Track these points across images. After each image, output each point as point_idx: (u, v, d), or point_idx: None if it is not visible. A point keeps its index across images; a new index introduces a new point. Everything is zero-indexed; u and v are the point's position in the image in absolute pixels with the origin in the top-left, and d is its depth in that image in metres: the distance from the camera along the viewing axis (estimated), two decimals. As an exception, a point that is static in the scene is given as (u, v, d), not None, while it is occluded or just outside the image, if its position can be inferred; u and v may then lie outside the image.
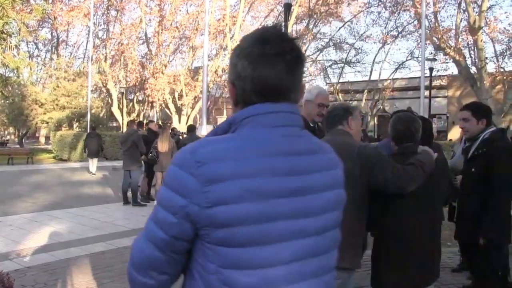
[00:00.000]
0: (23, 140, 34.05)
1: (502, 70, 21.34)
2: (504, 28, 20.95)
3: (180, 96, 27.48)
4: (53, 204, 9.67)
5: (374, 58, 31.01)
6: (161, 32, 26.96)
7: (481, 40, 19.21)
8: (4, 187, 12.23)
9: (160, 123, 20.17)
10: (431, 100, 20.36)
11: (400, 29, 27.97)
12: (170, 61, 30.03)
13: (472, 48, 20.91)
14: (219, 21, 25.59)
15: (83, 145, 18.12)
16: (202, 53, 14.67)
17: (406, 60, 30.90)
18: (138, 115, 32.42)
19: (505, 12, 36.02)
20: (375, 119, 31.72)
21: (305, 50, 28.94)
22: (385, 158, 2.56)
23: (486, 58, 20.09)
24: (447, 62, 23.46)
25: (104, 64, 29.42)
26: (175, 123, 26.57)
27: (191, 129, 10.42)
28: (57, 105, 28.09)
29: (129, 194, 9.82)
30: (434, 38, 20.79)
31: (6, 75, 16.08)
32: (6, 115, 30.26)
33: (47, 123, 28.47)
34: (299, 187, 1.11)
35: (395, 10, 26.28)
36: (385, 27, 29.61)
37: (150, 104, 32.99)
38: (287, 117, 1.15)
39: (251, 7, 27.94)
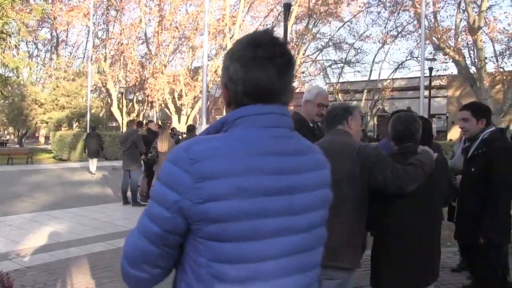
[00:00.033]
0: (22, 140, 34.04)
1: (501, 70, 21.33)
2: (504, 28, 20.94)
3: (180, 96, 27.47)
4: (52, 204, 9.67)
5: (374, 58, 31.03)
6: (161, 32, 26.94)
7: (481, 40, 19.21)
8: (3, 187, 12.23)
9: (159, 123, 20.17)
10: (430, 100, 20.37)
11: (399, 29, 28.01)
12: (170, 61, 30.05)
13: (472, 48, 20.91)
14: (219, 21, 25.57)
15: (83, 145, 18.11)
16: (202, 53, 14.67)
17: (406, 60, 30.93)
18: (137, 115, 32.40)
19: (505, 12, 36.12)
20: (375, 119, 31.73)
21: (305, 50, 29.00)
22: (385, 158, 2.56)
23: (486, 58, 20.09)
24: (446, 62, 23.48)
25: (103, 64, 29.41)
26: (174, 123, 26.57)
27: (191, 129, 10.42)
28: (56, 105, 28.09)
29: (129, 194, 9.82)
30: (433, 38, 20.78)
31: (6, 75, 16.06)
32: (6, 115, 30.24)
33: (47, 123, 28.47)
34: (288, 186, 1.16)
35: (394, 10, 26.29)
36: (385, 27, 29.68)
37: (149, 104, 32.97)
38: (278, 119, 1.19)
39: (250, 7, 27.94)
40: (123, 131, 18.47)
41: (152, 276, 1.20)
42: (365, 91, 31.22)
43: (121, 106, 29.73)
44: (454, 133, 24.78)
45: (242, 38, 1.22)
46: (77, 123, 29.66)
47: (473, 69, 20.44)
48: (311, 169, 1.24)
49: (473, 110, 3.56)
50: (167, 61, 28.60)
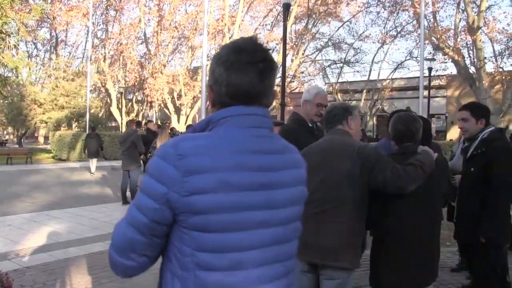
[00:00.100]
0: (22, 140, 34.02)
1: (500, 70, 21.35)
2: (503, 28, 20.98)
3: (179, 96, 27.46)
4: (52, 204, 9.66)
5: (373, 58, 31.07)
6: (160, 32, 26.93)
7: (480, 40, 19.23)
8: (3, 187, 12.21)
9: (159, 123, 20.18)
10: (430, 100, 20.38)
11: (399, 29, 28.03)
12: (169, 61, 30.03)
13: (471, 48, 20.93)
14: (218, 21, 25.56)
15: (82, 145, 18.12)
16: (201, 53, 14.65)
17: (405, 60, 31.01)
18: (137, 115, 32.39)
19: (504, 12, 36.14)
20: (374, 119, 31.74)
21: (304, 50, 28.99)
22: (385, 158, 2.56)
23: (485, 58, 20.11)
24: (446, 62, 23.48)
25: (103, 64, 29.40)
26: (174, 123, 26.57)
27: (190, 129, 10.40)
28: (56, 105, 28.07)
29: (128, 194, 9.81)
30: (433, 38, 20.79)
31: (5, 75, 16.05)
32: (5, 115, 30.22)
33: (46, 123, 28.46)
34: (268, 182, 1.25)
35: (394, 10, 26.30)
36: (384, 27, 29.72)
37: (149, 104, 32.94)
38: (259, 120, 1.29)
39: (250, 7, 27.94)
40: (123, 131, 18.45)
41: (140, 264, 1.27)
42: (365, 91, 31.24)
43: (120, 106, 29.72)
44: (454, 133, 24.80)
45: (227, 44, 1.32)
46: (76, 123, 29.67)
47: (472, 69, 20.46)
48: (289, 167, 1.34)
49: (473, 110, 3.56)
50: (167, 61, 28.58)
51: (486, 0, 18.82)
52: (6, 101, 29.03)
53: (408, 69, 33.91)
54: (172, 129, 16.55)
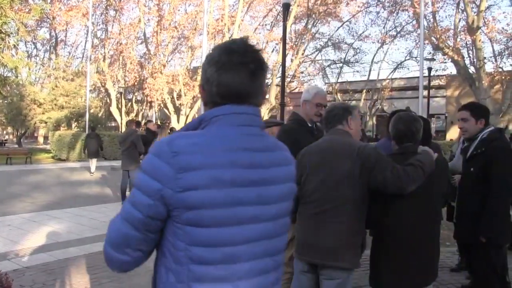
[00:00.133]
0: (21, 140, 34.00)
1: (500, 70, 21.35)
2: (503, 28, 20.96)
3: (179, 96, 27.44)
4: (51, 204, 9.66)
5: (373, 58, 31.14)
6: (160, 32, 26.91)
7: (480, 40, 19.22)
8: (2, 187, 12.21)
9: (158, 123, 20.17)
10: (429, 100, 20.37)
11: (398, 29, 28.07)
12: (169, 61, 30.00)
13: (471, 48, 20.91)
14: (218, 21, 25.55)
15: (82, 145, 18.12)
16: (201, 53, 14.67)
17: (405, 60, 31.10)
18: (136, 115, 32.37)
19: (504, 12, 36.15)
20: (374, 119, 31.75)
21: (304, 50, 28.96)
22: (385, 158, 2.56)
23: (485, 58, 20.10)
24: (445, 62, 23.48)
25: (102, 64, 29.37)
26: (173, 123, 26.55)
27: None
28: (55, 105, 28.05)
29: (128, 194, 9.80)
30: (432, 38, 20.78)
31: (5, 75, 16.04)
32: (5, 115, 30.20)
33: (46, 123, 28.43)
34: (259, 179, 1.29)
35: (393, 10, 26.31)
36: (384, 27, 29.83)
37: (148, 104, 32.93)
38: (250, 118, 1.32)
39: (249, 7, 27.92)
40: (122, 131, 18.44)
41: (135, 259, 1.30)
42: (364, 91, 31.26)
43: (120, 106, 29.70)
44: (453, 133, 24.81)
45: (219, 45, 1.36)
46: (76, 123, 29.63)
47: (472, 69, 20.45)
48: (279, 165, 1.38)
49: (472, 110, 3.57)
50: (166, 61, 28.56)
51: (485, 0, 18.81)
52: (6, 101, 29.02)
53: (408, 69, 34.11)
54: (172, 129, 16.55)
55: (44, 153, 26.93)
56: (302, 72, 30.64)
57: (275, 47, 27.83)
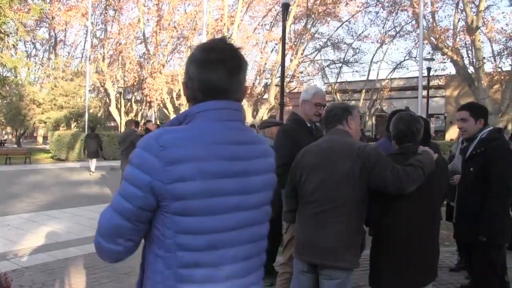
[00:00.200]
0: (20, 140, 33.95)
1: (499, 70, 21.38)
2: (502, 28, 20.98)
3: (178, 96, 27.44)
4: (51, 204, 9.65)
5: (372, 58, 31.24)
6: (159, 32, 26.91)
7: (479, 40, 19.22)
8: (1, 187, 12.20)
9: (158, 122, 20.16)
10: (429, 99, 20.38)
11: (398, 29, 28.08)
12: (168, 61, 30.03)
13: (470, 48, 20.92)
14: (217, 21, 25.54)
15: (82, 145, 18.11)
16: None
17: (404, 60, 31.05)
18: (136, 115, 32.37)
19: (503, 12, 36.11)
20: (373, 118, 31.77)
21: (303, 50, 28.97)
22: (385, 158, 2.56)
23: (484, 58, 20.10)
24: (444, 62, 23.49)
25: (102, 63, 29.35)
26: (173, 123, 26.47)
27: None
28: (55, 105, 28.01)
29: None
30: (432, 38, 20.79)
31: (4, 75, 16.04)
32: (4, 115, 30.14)
33: (45, 123, 28.40)
34: (240, 170, 1.37)
35: (393, 10, 26.33)
36: (383, 27, 29.76)
37: (148, 104, 32.93)
38: (232, 113, 1.40)
39: (249, 7, 27.90)
40: (122, 131, 18.42)
41: (126, 248, 1.37)
42: (363, 91, 31.27)
43: (119, 106, 29.69)
44: (452, 133, 24.83)
45: (200, 44, 1.44)
46: (75, 123, 29.59)
47: (471, 69, 20.46)
48: (260, 157, 1.46)
49: (472, 110, 3.57)
50: (166, 61, 28.58)
51: (484, 0, 18.83)
52: (5, 101, 28.99)
53: (407, 69, 34.05)
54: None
55: (43, 153, 26.90)
56: (301, 72, 30.64)
57: (274, 47, 27.82)
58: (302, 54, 28.66)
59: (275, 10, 27.33)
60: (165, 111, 29.32)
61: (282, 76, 10.28)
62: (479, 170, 3.36)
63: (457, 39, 20.52)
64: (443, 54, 20.94)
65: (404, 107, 6.30)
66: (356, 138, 2.80)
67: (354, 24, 45.00)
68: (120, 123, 28.71)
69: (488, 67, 21.49)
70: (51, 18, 29.19)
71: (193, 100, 1.41)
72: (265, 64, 27.56)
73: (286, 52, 14.09)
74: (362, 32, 34.83)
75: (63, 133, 24.32)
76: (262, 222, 1.48)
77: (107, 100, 32.13)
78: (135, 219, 1.31)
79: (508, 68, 21.31)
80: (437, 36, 20.34)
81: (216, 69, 1.36)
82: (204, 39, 13.26)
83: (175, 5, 26.95)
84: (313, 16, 26.73)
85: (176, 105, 28.00)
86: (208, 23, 21.54)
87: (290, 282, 2.97)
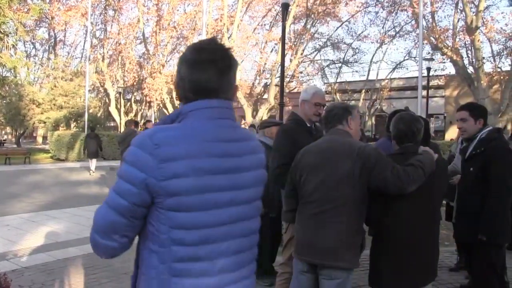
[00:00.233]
0: (20, 140, 33.95)
1: (499, 70, 21.38)
2: (501, 28, 20.97)
3: (178, 96, 27.41)
4: (50, 204, 9.65)
5: (372, 58, 31.17)
6: (159, 32, 26.91)
7: (478, 40, 19.22)
8: (1, 187, 12.20)
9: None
10: (428, 99, 20.39)
11: (397, 29, 28.06)
12: (168, 61, 29.99)
13: (469, 48, 20.92)
14: (217, 21, 25.52)
15: (82, 146, 18.11)
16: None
17: (404, 60, 31.02)
18: (135, 115, 32.36)
19: (502, 12, 35.97)
20: (373, 118, 31.77)
21: (303, 50, 28.96)
22: (385, 158, 2.56)
23: (483, 58, 20.11)
24: (444, 62, 23.48)
25: (101, 63, 29.34)
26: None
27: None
28: (54, 105, 28.01)
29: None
30: (431, 38, 20.79)
31: (3, 75, 16.03)
32: (3, 115, 30.13)
33: (45, 123, 28.40)
34: (232, 166, 1.41)
35: (392, 10, 26.33)
36: (383, 27, 29.75)
37: (147, 104, 32.92)
38: (223, 112, 1.44)
39: (248, 7, 27.89)
40: (121, 131, 18.42)
41: (122, 244, 1.41)
42: (363, 91, 31.26)
43: (119, 106, 29.67)
44: (452, 133, 24.83)
45: (191, 44, 1.48)
46: (75, 123, 29.59)
47: (470, 69, 20.46)
48: (250, 153, 1.50)
49: (471, 110, 3.58)
50: (165, 61, 28.57)
51: (484, 0, 18.83)
52: (5, 101, 28.99)
53: (407, 69, 34.01)
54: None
55: (43, 153, 26.89)
56: (301, 72, 30.62)
57: (274, 47, 27.82)
58: (301, 54, 28.65)
59: (275, 10, 27.33)
60: (165, 111, 29.29)
61: (282, 76, 10.28)
62: (478, 170, 3.36)
63: (457, 39, 20.53)
64: (443, 54, 20.94)
65: (403, 107, 6.30)
66: (356, 138, 2.80)
67: (354, 24, 44.92)
68: (120, 123, 28.68)
69: (488, 67, 21.53)
70: (50, 18, 29.19)
71: (185, 99, 1.44)
72: (265, 64, 27.57)
73: (285, 52, 14.08)
74: (362, 32, 34.87)
75: (63, 133, 24.31)
76: (253, 217, 1.52)
77: (107, 100, 32.12)
78: (130, 215, 1.34)
79: (508, 68, 21.31)
80: (437, 36, 20.35)
81: (207, 70, 1.39)
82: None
83: (175, 5, 26.95)
84: (312, 16, 26.72)
85: (176, 105, 27.97)
86: (208, 23, 21.55)
87: (290, 282, 2.97)
